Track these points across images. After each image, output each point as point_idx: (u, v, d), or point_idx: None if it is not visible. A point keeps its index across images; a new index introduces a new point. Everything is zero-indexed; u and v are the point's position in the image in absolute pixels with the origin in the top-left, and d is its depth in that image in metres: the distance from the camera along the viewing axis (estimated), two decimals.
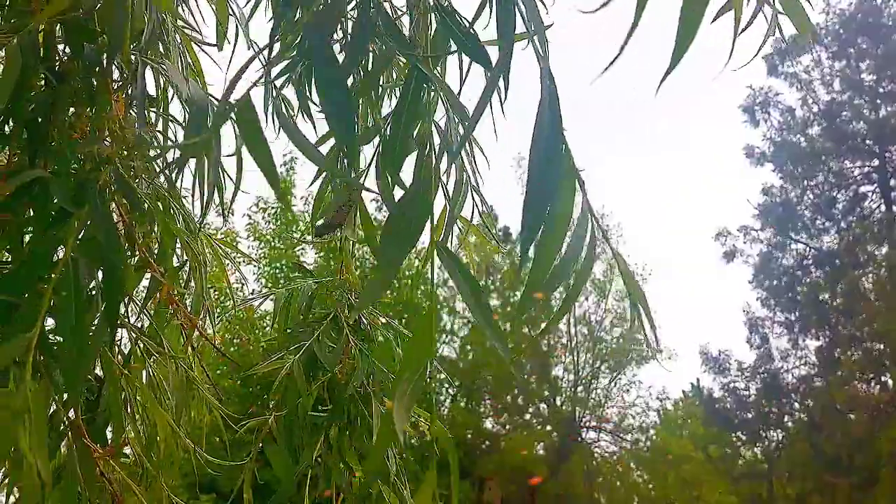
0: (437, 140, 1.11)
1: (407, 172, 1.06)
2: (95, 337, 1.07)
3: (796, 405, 16.29)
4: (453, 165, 1.21)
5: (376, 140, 1.46)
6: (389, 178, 1.02)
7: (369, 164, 1.27)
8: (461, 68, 1.25)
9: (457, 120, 1.15)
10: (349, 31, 1.21)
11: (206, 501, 8.71)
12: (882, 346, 14.61)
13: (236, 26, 1.78)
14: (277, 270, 12.98)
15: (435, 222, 0.94)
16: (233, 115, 0.91)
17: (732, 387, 16.87)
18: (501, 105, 1.08)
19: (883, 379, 14.83)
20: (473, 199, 1.30)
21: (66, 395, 1.09)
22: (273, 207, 13.47)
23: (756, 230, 17.16)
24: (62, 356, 0.98)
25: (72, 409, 1.19)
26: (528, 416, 17.88)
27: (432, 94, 1.08)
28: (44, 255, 1.08)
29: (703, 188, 33.88)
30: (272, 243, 13.35)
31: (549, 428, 17.74)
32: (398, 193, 1.01)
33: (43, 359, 1.08)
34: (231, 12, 1.77)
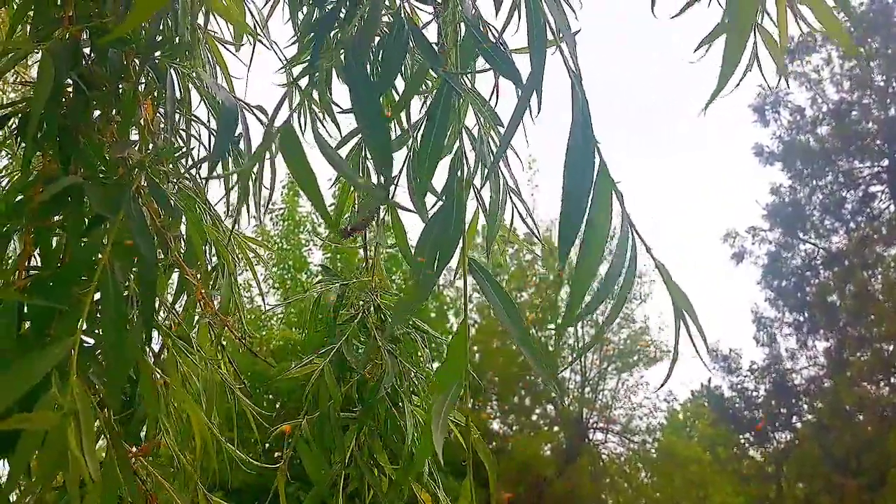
0: (467, 147, 1.11)
1: (439, 178, 1.07)
2: (133, 338, 1.09)
3: (805, 406, 16.26)
4: (489, 176, 1.21)
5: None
6: (420, 190, 1.03)
7: (399, 174, 1.28)
8: (495, 79, 1.26)
9: (488, 126, 1.16)
10: (382, 47, 1.23)
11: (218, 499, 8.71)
12: (891, 348, 14.57)
13: (255, 26, 1.79)
14: (284, 272, 12.99)
15: (466, 235, 0.95)
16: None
17: (741, 387, 16.85)
18: (532, 119, 1.08)
19: (892, 380, 14.79)
20: (513, 201, 1.30)
21: (104, 396, 1.11)
22: (280, 209, 13.49)
23: (764, 230, 17.13)
24: (104, 358, 1.00)
25: (107, 410, 1.20)
26: (534, 418, 17.85)
27: (462, 103, 1.08)
28: (86, 260, 1.10)
29: (711, 188, 33.79)
30: (279, 245, 13.36)
31: (556, 429, 17.71)
32: (429, 201, 1.02)
33: (81, 362, 1.10)
34: (249, 12, 1.78)
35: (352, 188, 1.78)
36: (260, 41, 1.70)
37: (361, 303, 1.88)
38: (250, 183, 1.51)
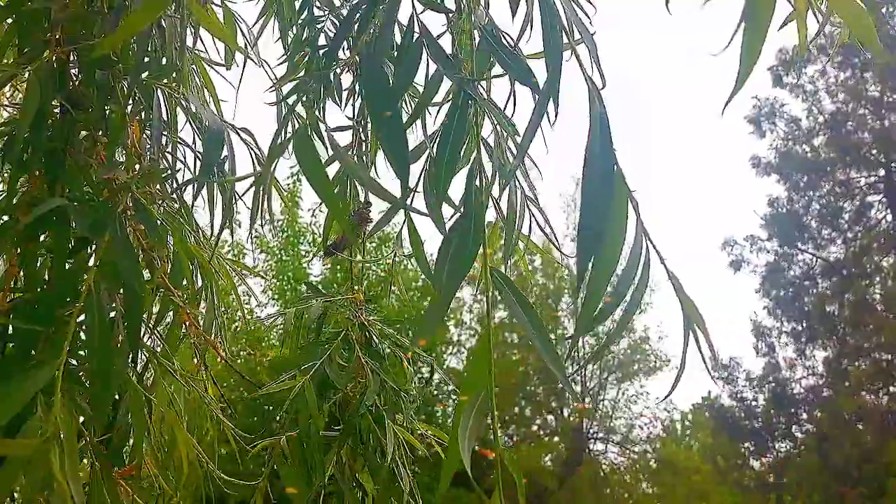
0: (485, 158, 1.11)
1: (456, 189, 1.07)
2: (118, 361, 1.10)
3: (804, 416, 16.23)
4: (507, 187, 1.21)
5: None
6: (436, 200, 1.03)
7: (416, 183, 1.27)
8: (511, 87, 1.26)
9: (506, 136, 1.16)
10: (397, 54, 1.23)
11: None
12: (890, 357, 14.56)
13: (245, 45, 1.80)
14: (284, 283, 12.97)
15: (486, 246, 0.94)
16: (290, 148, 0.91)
17: (741, 396, 16.83)
18: (552, 126, 1.07)
19: (891, 389, 14.78)
20: (531, 212, 1.30)
21: (90, 418, 1.11)
22: (279, 220, 13.48)
23: (762, 240, 17.15)
24: (89, 380, 1.01)
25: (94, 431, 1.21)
26: (535, 428, 17.81)
27: (479, 114, 1.08)
28: (67, 284, 1.11)
29: (710, 197, 33.79)
30: (279, 256, 13.35)
31: (556, 439, 17.67)
32: (446, 212, 1.01)
33: (67, 384, 1.11)
34: (240, 31, 1.79)
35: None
36: (249, 58, 1.70)
37: (347, 319, 1.88)
38: (240, 195, 1.52)
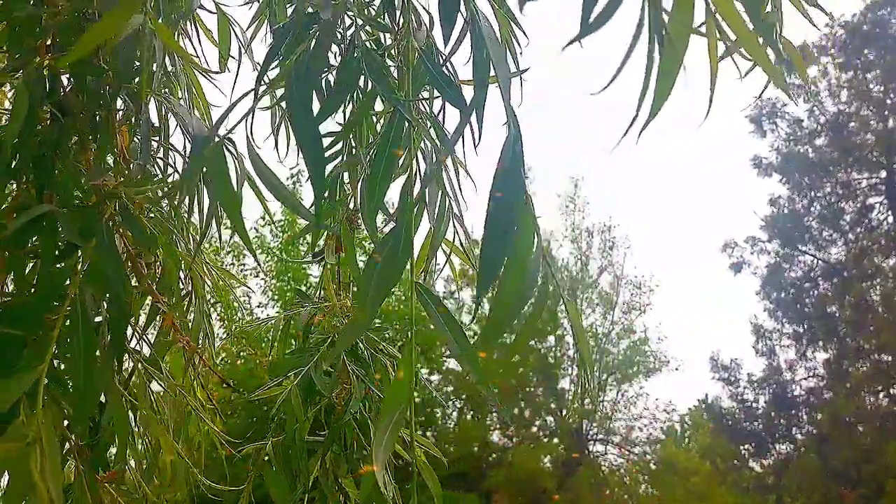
0: (423, 171, 1.13)
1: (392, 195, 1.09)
2: (103, 366, 1.11)
3: (804, 417, 16.25)
4: (437, 196, 1.23)
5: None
6: (370, 216, 1.05)
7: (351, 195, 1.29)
8: (443, 107, 1.29)
9: (440, 151, 1.18)
10: (334, 73, 1.25)
11: None
12: (890, 359, 14.58)
13: (240, 49, 1.81)
14: (284, 283, 13.01)
15: (415, 260, 0.96)
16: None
17: (741, 398, 16.85)
18: (475, 145, 1.10)
19: (891, 391, 14.79)
20: (455, 228, 1.32)
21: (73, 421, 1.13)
22: (280, 221, 13.50)
23: (763, 241, 17.16)
24: (71, 385, 1.02)
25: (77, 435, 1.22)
26: (534, 429, 17.82)
27: (415, 131, 1.10)
28: (54, 289, 1.12)
29: (710, 198, 33.76)
30: (279, 256, 13.38)
31: (556, 441, 17.68)
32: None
33: (51, 389, 1.12)
34: (234, 34, 1.80)
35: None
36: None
37: (334, 325, 1.89)
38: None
